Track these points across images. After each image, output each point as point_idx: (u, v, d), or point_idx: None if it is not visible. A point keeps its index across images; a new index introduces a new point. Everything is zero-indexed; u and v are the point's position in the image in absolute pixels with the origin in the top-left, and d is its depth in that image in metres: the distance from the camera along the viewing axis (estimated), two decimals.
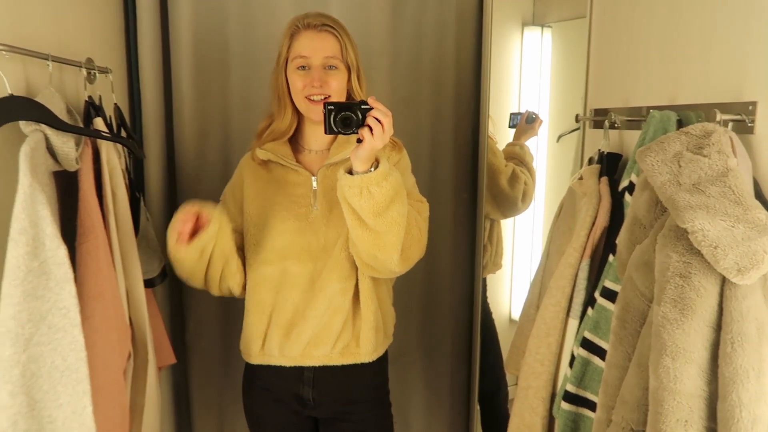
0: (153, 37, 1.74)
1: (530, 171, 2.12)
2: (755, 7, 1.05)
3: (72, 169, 1.15)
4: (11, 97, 1.03)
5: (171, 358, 1.65)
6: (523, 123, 2.13)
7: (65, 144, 1.10)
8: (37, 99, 1.09)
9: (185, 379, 1.95)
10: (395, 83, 1.93)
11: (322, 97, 1.35)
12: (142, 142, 1.78)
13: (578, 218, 1.45)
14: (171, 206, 1.83)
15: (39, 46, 1.17)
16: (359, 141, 1.19)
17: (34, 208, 0.96)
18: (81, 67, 1.36)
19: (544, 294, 1.50)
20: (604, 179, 1.42)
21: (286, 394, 1.45)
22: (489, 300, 2.21)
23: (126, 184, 1.40)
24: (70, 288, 1.00)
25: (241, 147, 1.68)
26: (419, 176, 1.49)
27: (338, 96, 1.37)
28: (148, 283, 1.49)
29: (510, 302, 2.34)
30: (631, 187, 1.29)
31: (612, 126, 1.47)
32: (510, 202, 2.11)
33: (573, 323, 1.40)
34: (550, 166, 2.19)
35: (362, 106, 1.20)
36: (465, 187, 2.08)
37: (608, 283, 1.26)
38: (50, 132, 1.08)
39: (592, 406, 1.30)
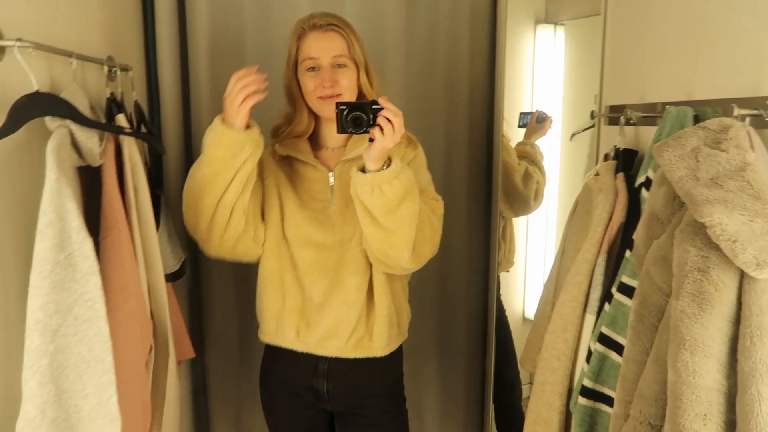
0: (171, 35, 1.76)
1: (541, 170, 2.13)
2: None
3: (96, 164, 1.16)
4: (38, 93, 1.04)
5: (190, 353, 1.67)
6: (534, 122, 2.14)
7: (89, 139, 1.12)
8: (62, 96, 1.11)
9: (203, 373, 1.97)
10: (409, 82, 1.93)
11: (335, 95, 1.36)
12: (161, 139, 1.80)
13: (594, 214, 1.45)
14: None
15: (63, 44, 1.19)
16: (371, 140, 1.20)
17: (60, 202, 0.97)
18: (103, 64, 1.38)
19: (560, 290, 1.50)
20: (621, 175, 1.42)
21: (302, 387, 1.47)
22: (502, 299, 2.21)
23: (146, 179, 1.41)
24: (96, 280, 1.01)
25: None
26: (433, 174, 1.50)
27: (350, 93, 1.38)
28: (168, 278, 1.51)
29: (523, 301, 2.34)
30: (647, 183, 1.29)
31: (627, 122, 1.47)
32: (523, 201, 2.12)
33: (590, 319, 1.40)
34: (563, 163, 2.19)
35: (373, 106, 1.22)
36: (480, 185, 2.09)
37: (625, 279, 1.26)
38: (75, 128, 1.10)
39: (609, 401, 1.30)
